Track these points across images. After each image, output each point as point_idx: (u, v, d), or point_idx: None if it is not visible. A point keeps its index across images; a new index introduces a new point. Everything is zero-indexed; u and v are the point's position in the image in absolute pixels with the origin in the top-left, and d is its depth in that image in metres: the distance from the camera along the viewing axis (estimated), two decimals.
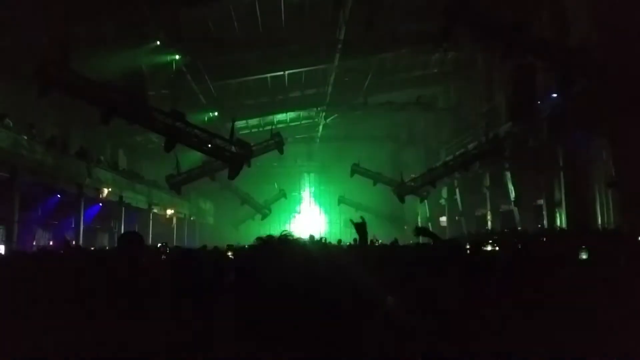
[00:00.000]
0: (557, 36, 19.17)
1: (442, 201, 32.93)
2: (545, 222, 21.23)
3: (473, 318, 2.84)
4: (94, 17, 19.24)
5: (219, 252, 8.17)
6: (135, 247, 3.87)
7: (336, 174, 38.41)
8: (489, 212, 26.53)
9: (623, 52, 15.62)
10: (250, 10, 22.32)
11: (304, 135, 38.32)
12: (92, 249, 15.68)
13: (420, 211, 35.79)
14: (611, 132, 17.01)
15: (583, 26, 18.25)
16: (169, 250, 12.93)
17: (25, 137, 16.50)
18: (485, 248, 9.11)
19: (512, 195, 23.63)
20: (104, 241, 25.31)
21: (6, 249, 15.08)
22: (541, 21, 20.89)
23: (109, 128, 18.39)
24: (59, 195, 20.14)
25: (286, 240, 1.60)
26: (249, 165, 20.94)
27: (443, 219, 33.67)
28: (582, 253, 5.77)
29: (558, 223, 20.07)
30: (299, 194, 45.63)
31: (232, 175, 19.21)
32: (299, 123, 36.39)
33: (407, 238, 31.65)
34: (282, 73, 27.94)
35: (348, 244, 14.16)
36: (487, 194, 26.72)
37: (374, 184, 31.82)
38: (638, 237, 11.30)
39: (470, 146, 25.94)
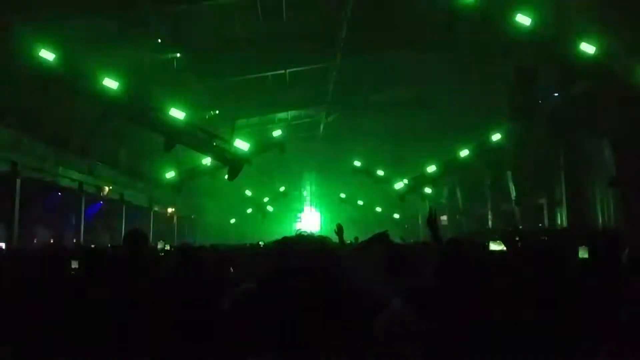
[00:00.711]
0: (559, 37, 19.12)
1: (443, 200, 32.92)
2: (546, 221, 21.23)
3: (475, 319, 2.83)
4: (94, 14, 19.21)
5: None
6: (140, 245, 3.89)
7: (337, 173, 38.45)
8: (489, 211, 26.52)
9: (624, 52, 15.59)
10: (251, 8, 22.29)
11: (305, 134, 38.28)
12: (93, 246, 15.69)
13: (420, 210, 35.76)
14: (612, 131, 16.99)
15: (585, 26, 18.20)
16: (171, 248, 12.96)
17: (26, 135, 16.51)
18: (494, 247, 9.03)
19: (513, 194, 23.62)
20: (105, 239, 25.33)
21: (6, 247, 15.09)
22: (542, 21, 20.84)
23: (110, 126, 18.41)
24: (59, 193, 20.18)
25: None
26: (250, 164, 20.96)
27: (443, 218, 33.65)
28: (582, 251, 5.76)
29: (559, 222, 20.06)
30: (300, 192, 45.66)
31: (232, 177, 19.26)
32: (300, 122, 36.36)
33: (408, 237, 31.67)
34: (283, 71, 27.91)
35: (349, 242, 14.12)
36: (488, 193, 26.71)
37: (375, 183, 31.83)
38: (638, 237, 11.28)
39: (471, 145, 25.92)
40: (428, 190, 29.48)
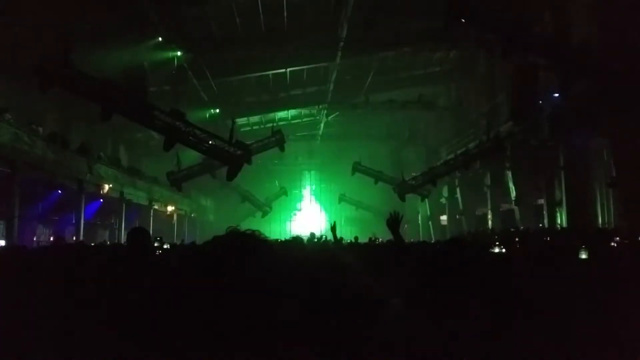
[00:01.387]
0: (558, 36, 19.14)
1: (443, 200, 32.92)
2: (545, 221, 21.24)
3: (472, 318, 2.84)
4: (95, 13, 19.22)
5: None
6: (143, 243, 3.90)
7: (337, 172, 38.48)
8: (489, 211, 26.52)
9: (624, 52, 15.59)
10: (252, 7, 22.30)
11: (305, 133, 38.31)
12: (92, 244, 15.69)
13: (421, 210, 35.78)
14: (612, 131, 17.00)
15: (584, 26, 18.23)
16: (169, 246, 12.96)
17: (26, 133, 16.51)
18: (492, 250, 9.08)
19: (513, 194, 23.63)
20: (105, 237, 25.34)
21: (7, 245, 15.10)
22: (543, 21, 20.87)
23: (110, 124, 18.40)
24: (59, 191, 20.17)
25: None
26: (250, 163, 20.94)
27: (444, 217, 33.68)
28: (582, 252, 5.77)
29: (559, 222, 20.07)
30: (300, 191, 45.68)
31: (231, 177, 19.22)
32: (300, 121, 36.39)
33: (408, 236, 31.71)
34: (283, 70, 27.93)
35: (348, 241, 14.18)
36: (488, 193, 26.72)
37: (375, 183, 31.83)
38: (638, 237, 11.30)
39: (471, 145, 25.92)
40: (428, 189, 29.43)
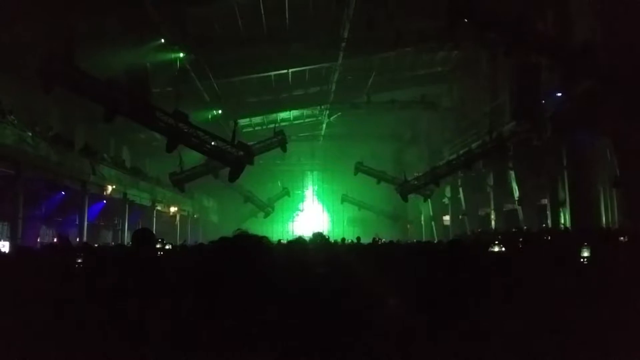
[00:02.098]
0: (561, 36, 19.11)
1: (446, 200, 32.89)
2: (549, 221, 21.19)
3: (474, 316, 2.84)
4: (98, 13, 19.27)
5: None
6: (149, 244, 3.91)
7: (339, 173, 38.50)
8: (492, 211, 26.47)
9: (627, 52, 15.56)
10: (254, 8, 22.33)
11: (307, 133, 38.34)
12: (96, 245, 15.73)
13: (423, 210, 35.75)
14: (615, 131, 16.96)
15: (587, 26, 18.19)
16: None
17: (30, 134, 16.56)
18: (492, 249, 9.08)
19: (516, 194, 23.58)
20: (108, 238, 25.39)
21: (10, 245, 15.14)
22: (546, 21, 20.84)
23: (113, 125, 18.45)
24: (63, 192, 20.22)
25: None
26: (252, 164, 20.98)
27: (446, 217, 33.63)
28: (584, 250, 5.76)
29: (562, 222, 20.02)
30: (302, 192, 45.68)
31: (233, 178, 19.27)
32: (302, 121, 36.42)
33: (411, 237, 31.70)
34: (285, 71, 27.95)
35: (350, 241, 14.20)
36: (491, 193, 26.67)
37: (377, 183, 31.84)
38: None
39: (474, 145, 25.89)
40: (431, 189, 29.42)
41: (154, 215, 27.20)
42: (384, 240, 17.98)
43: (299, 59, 26.51)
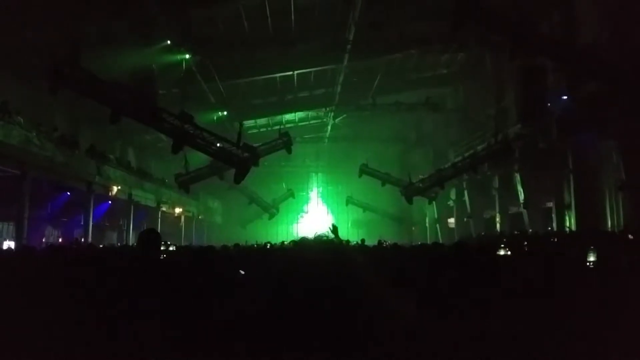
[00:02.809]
0: (567, 37, 19.05)
1: (451, 202, 32.79)
2: (554, 224, 21.09)
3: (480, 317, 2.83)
4: (105, 16, 19.36)
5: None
6: (155, 245, 3.92)
7: (344, 174, 38.44)
8: (497, 214, 26.38)
9: (633, 54, 15.49)
10: (259, 11, 22.38)
11: (312, 135, 38.35)
12: (101, 246, 15.79)
13: (428, 212, 35.67)
14: (621, 134, 16.88)
15: (592, 28, 18.13)
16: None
17: (36, 135, 16.64)
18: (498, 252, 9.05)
19: (521, 197, 23.48)
20: (113, 239, 25.48)
21: (16, 246, 15.21)
22: (551, 22, 20.78)
23: (119, 126, 18.51)
24: (68, 193, 20.31)
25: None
26: (257, 165, 21.00)
27: (451, 220, 33.54)
28: (591, 254, 5.72)
29: (568, 225, 19.92)
30: (307, 193, 45.66)
31: (238, 179, 19.29)
32: (307, 123, 36.42)
33: (415, 239, 31.64)
34: (291, 73, 27.98)
35: (355, 243, 14.14)
36: (496, 196, 26.57)
37: (382, 185, 31.76)
38: None
39: (479, 147, 25.81)
40: (436, 192, 29.36)
41: (159, 216, 27.26)
42: (388, 242, 17.94)
43: (305, 60, 26.53)
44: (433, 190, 28.16)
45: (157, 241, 3.94)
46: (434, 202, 31.21)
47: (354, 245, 10.68)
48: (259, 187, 37.65)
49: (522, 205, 23.50)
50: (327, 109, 33.03)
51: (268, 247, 12.94)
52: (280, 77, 28.39)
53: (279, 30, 23.86)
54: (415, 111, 32.22)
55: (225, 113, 29.81)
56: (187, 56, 23.53)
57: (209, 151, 18.51)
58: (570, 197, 19.88)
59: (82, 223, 20.91)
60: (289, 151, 27.27)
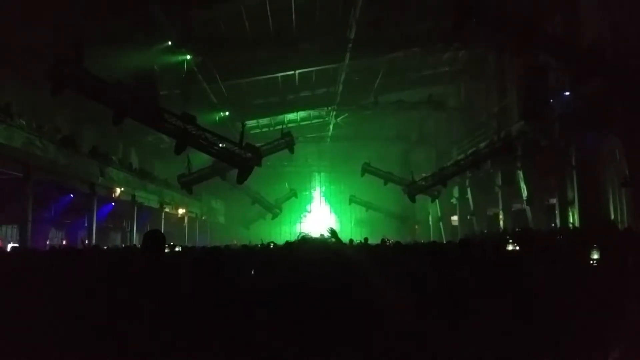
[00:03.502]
0: (570, 34, 18.99)
1: (454, 200, 32.75)
2: (557, 221, 21.04)
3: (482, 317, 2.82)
4: (107, 17, 19.39)
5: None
6: (160, 246, 3.93)
7: (347, 174, 38.45)
8: (500, 212, 26.33)
9: (636, 50, 15.43)
10: (260, 10, 22.38)
11: (314, 134, 38.34)
12: (105, 247, 15.81)
13: (431, 210, 35.64)
14: (624, 130, 16.81)
15: (596, 25, 18.07)
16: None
17: (38, 137, 16.68)
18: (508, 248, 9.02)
19: (525, 194, 23.43)
20: (116, 240, 25.53)
21: (20, 248, 15.24)
22: (554, 20, 20.71)
23: (121, 128, 18.53)
24: (71, 195, 20.34)
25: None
26: (260, 165, 21.01)
27: (454, 218, 33.50)
28: (594, 252, 5.70)
29: (571, 222, 19.87)
30: (310, 193, 45.69)
31: (241, 180, 19.29)
32: (309, 122, 36.42)
33: (418, 237, 31.60)
34: (292, 72, 27.98)
35: (359, 242, 14.14)
36: (499, 193, 26.53)
37: (385, 184, 31.76)
38: None
39: (482, 145, 25.77)
40: (439, 190, 29.33)
41: (163, 217, 27.30)
42: (392, 241, 17.91)
43: (306, 60, 26.52)
44: (436, 188, 28.15)
45: (162, 242, 3.97)
46: (436, 200, 31.18)
47: (356, 245, 10.67)
48: (262, 187, 37.68)
49: (525, 202, 23.45)
50: (329, 108, 33.03)
51: (271, 246, 12.93)
52: (281, 76, 28.40)
53: (280, 29, 23.86)
54: (417, 110, 32.20)
55: (227, 113, 29.84)
56: (189, 57, 23.56)
57: (211, 152, 18.51)
58: (573, 194, 19.83)
59: (85, 225, 20.95)
60: (292, 151, 27.26)
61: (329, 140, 39.57)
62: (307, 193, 45.27)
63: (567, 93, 19.40)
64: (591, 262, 5.54)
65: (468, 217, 30.42)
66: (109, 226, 25.31)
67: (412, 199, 28.50)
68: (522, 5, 18.36)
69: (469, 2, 16.13)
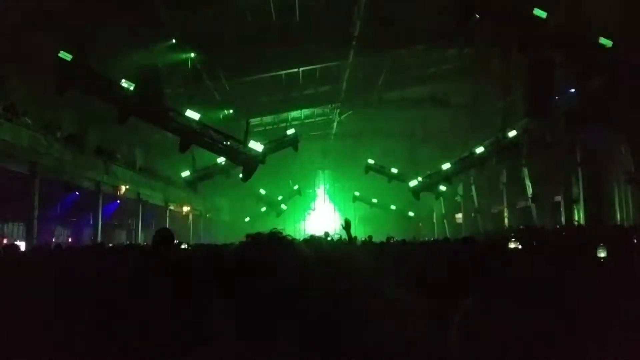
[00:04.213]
0: (575, 30, 18.89)
1: (458, 198, 32.71)
2: (563, 218, 21.00)
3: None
4: (111, 15, 19.42)
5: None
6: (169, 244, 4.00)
7: (351, 171, 38.40)
8: (505, 209, 26.29)
9: None
10: (264, 8, 22.37)
11: (318, 132, 38.31)
12: (111, 245, 15.87)
13: (435, 208, 35.60)
14: (630, 127, 16.75)
15: (601, 20, 17.97)
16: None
17: (44, 135, 16.75)
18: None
19: (530, 191, 23.39)
20: (122, 238, 25.62)
21: (27, 246, 15.33)
22: (559, 15, 20.60)
23: (126, 126, 18.60)
24: (77, 193, 20.42)
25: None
26: (264, 163, 21.04)
27: (459, 215, 33.47)
28: (600, 251, 5.67)
29: (576, 219, 19.83)
30: (314, 191, 45.70)
31: (246, 178, 19.35)
32: (313, 120, 36.40)
33: (423, 235, 31.54)
34: (296, 70, 27.96)
35: (362, 240, 14.10)
36: (504, 190, 26.48)
37: (389, 181, 31.72)
38: None
39: (487, 142, 25.70)
40: (443, 187, 29.28)
41: (167, 215, 27.36)
42: (395, 239, 17.89)
43: (310, 57, 26.50)
44: (440, 185, 28.11)
45: (172, 240, 4.09)
46: (441, 198, 31.14)
47: (361, 244, 10.64)
48: (266, 184, 37.70)
49: (530, 199, 23.41)
50: (333, 105, 33.01)
51: None
52: (285, 74, 28.39)
53: (284, 27, 23.84)
54: (421, 107, 32.10)
55: (231, 111, 29.86)
56: (193, 55, 23.59)
57: (216, 150, 18.58)
58: (579, 191, 19.79)
59: (91, 222, 21.04)
60: (296, 149, 27.27)
61: (332, 137, 39.54)
62: (311, 191, 45.30)
63: (573, 90, 19.34)
64: (599, 260, 5.53)
65: (472, 215, 30.38)
66: (114, 224, 25.40)
67: (417, 197, 28.47)
68: (526, 0, 18.28)
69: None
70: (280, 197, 40.92)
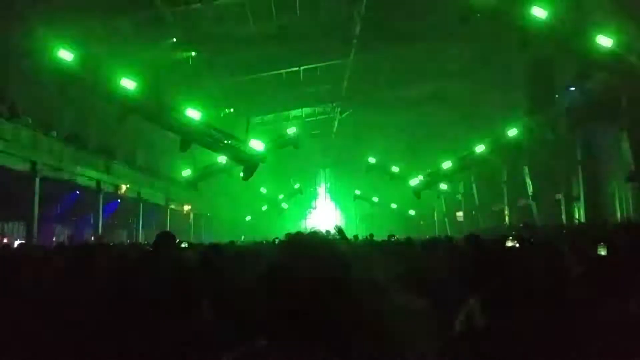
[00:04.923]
0: (576, 28, 18.86)
1: (459, 196, 32.70)
2: (563, 216, 21.00)
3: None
4: (111, 14, 19.42)
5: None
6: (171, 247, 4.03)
7: (352, 170, 38.41)
8: (506, 207, 26.29)
9: None
10: (265, 6, 22.35)
11: (319, 130, 38.30)
12: (111, 244, 15.87)
13: (436, 206, 35.59)
14: (631, 125, 16.73)
15: (602, 17, 17.93)
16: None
17: (44, 134, 16.75)
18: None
19: (530, 189, 23.39)
20: (122, 237, 25.61)
21: (28, 244, 15.34)
22: (560, 13, 20.56)
23: (127, 125, 18.60)
24: (77, 192, 20.44)
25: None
26: (265, 162, 21.04)
27: (460, 213, 33.46)
28: (601, 249, 5.67)
29: (577, 217, 19.83)
30: (315, 189, 45.71)
31: (247, 176, 19.34)
32: (314, 119, 36.38)
33: (424, 233, 31.54)
34: (297, 68, 27.94)
35: (364, 237, 14.14)
36: (504, 188, 26.48)
37: (390, 179, 31.71)
38: None
39: (487, 140, 25.67)
40: (444, 186, 29.31)
41: (168, 214, 27.36)
42: (397, 237, 17.88)
43: (311, 56, 26.48)
44: (441, 183, 28.12)
45: (173, 242, 4.15)
46: (442, 196, 31.14)
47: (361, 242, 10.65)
48: (267, 183, 37.69)
49: (530, 197, 23.41)
50: (334, 104, 32.99)
51: (276, 242, 12.96)
52: (286, 73, 28.37)
53: (285, 25, 23.82)
54: (422, 105, 32.07)
55: (232, 110, 29.84)
56: (193, 53, 23.56)
57: (216, 148, 18.57)
58: (579, 189, 19.78)
59: (92, 222, 21.04)
60: (297, 147, 27.29)
61: (334, 136, 39.52)
62: (312, 189, 45.30)
63: (573, 88, 19.31)
64: (598, 258, 5.50)
65: (473, 213, 30.39)
66: (115, 223, 25.40)
67: (418, 195, 28.47)
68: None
69: None
70: (281, 196, 40.92)
